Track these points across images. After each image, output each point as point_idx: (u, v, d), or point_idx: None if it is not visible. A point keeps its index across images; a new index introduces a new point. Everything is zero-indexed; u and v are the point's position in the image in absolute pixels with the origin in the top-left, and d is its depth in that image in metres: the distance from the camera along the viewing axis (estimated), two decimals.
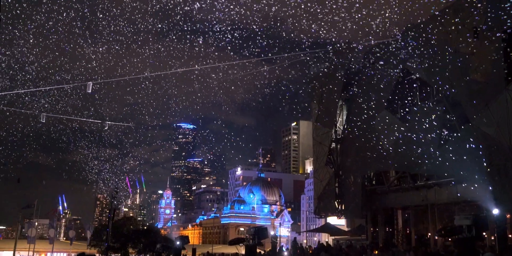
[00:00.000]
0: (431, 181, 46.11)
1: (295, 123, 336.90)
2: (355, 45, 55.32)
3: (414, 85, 49.31)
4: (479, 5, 37.03)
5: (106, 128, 48.74)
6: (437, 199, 45.47)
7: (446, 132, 42.41)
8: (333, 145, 59.82)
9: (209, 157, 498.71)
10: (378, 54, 51.02)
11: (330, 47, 55.66)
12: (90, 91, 36.96)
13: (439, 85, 42.31)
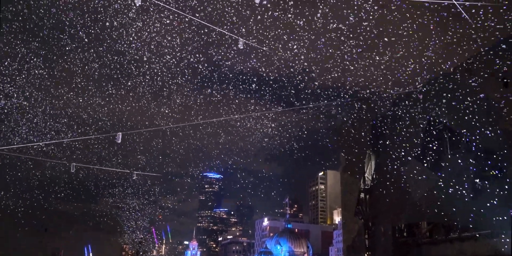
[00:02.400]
0: (466, 234, 44.40)
1: (322, 172, 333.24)
2: (382, 94, 55.52)
3: (443, 134, 48.71)
4: (508, 54, 37.06)
5: (134, 178, 49.28)
6: (472, 252, 43.56)
7: (479, 182, 41.29)
8: (362, 195, 58.76)
9: (236, 207, 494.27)
10: (405, 103, 51.01)
11: (358, 96, 55.95)
12: (119, 141, 37.71)
13: (469, 134, 41.72)
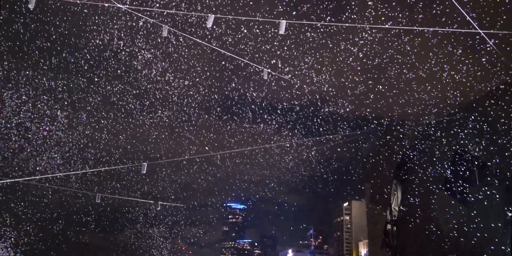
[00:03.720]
0: None
1: (347, 203, 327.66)
2: (407, 123, 54.90)
3: (472, 165, 47.58)
4: None
5: (158, 208, 49.24)
6: None
7: (510, 214, 39.92)
8: (389, 226, 57.33)
9: (259, 238, 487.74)
10: (431, 132, 50.27)
11: (383, 125, 55.48)
12: (145, 172, 37.92)
13: (499, 164, 40.66)
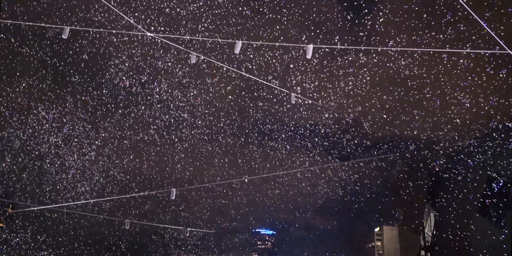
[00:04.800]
0: None
1: (378, 228, 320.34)
2: (438, 146, 53.94)
3: (507, 187, 46.24)
4: None
5: (187, 234, 49.14)
6: None
7: None
8: (423, 252, 55.84)
9: None
10: (463, 155, 49.24)
11: (413, 148, 54.63)
12: (173, 198, 38.09)
13: None
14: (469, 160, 48.29)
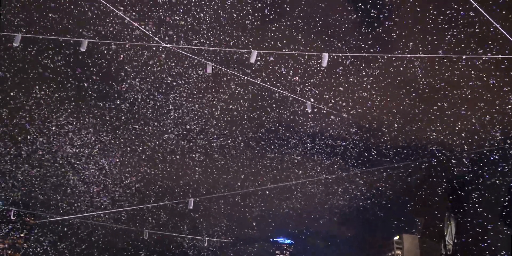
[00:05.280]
0: None
1: (397, 236, 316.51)
2: (458, 152, 53.22)
3: None
4: None
5: (205, 244, 49.12)
6: None
7: None
8: None
9: None
10: (484, 162, 48.50)
11: (432, 155, 53.99)
12: (191, 207, 38.12)
13: None
14: (492, 166, 47.56)
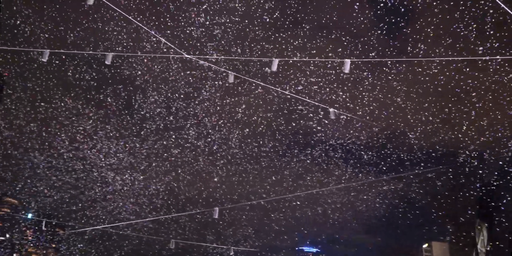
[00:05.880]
0: None
1: (426, 244, 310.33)
2: (488, 157, 51.96)
3: None
4: None
5: (231, 254, 48.87)
6: None
7: None
8: None
9: None
10: None
11: (462, 161, 52.80)
12: (216, 216, 38.02)
13: None
14: None
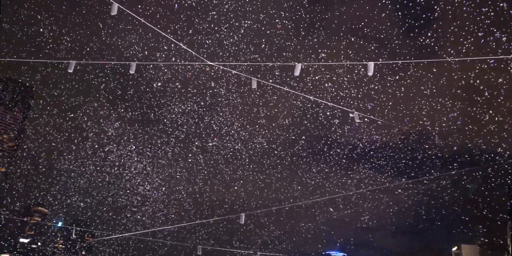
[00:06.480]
0: None
1: (456, 247, 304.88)
2: None
3: None
4: None
5: None
6: None
7: None
8: None
9: None
10: None
11: (491, 162, 52.02)
12: (242, 222, 38.23)
13: None
14: None
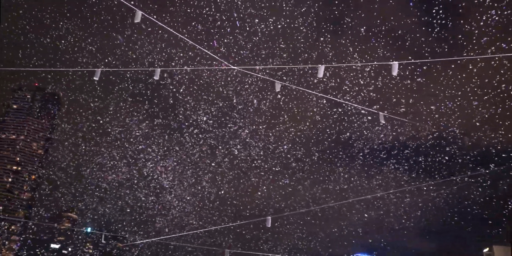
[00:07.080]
0: None
1: (487, 248, 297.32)
2: None
3: None
4: None
5: None
6: None
7: None
8: None
9: None
10: None
11: None
12: (269, 225, 38.14)
13: None
14: None
